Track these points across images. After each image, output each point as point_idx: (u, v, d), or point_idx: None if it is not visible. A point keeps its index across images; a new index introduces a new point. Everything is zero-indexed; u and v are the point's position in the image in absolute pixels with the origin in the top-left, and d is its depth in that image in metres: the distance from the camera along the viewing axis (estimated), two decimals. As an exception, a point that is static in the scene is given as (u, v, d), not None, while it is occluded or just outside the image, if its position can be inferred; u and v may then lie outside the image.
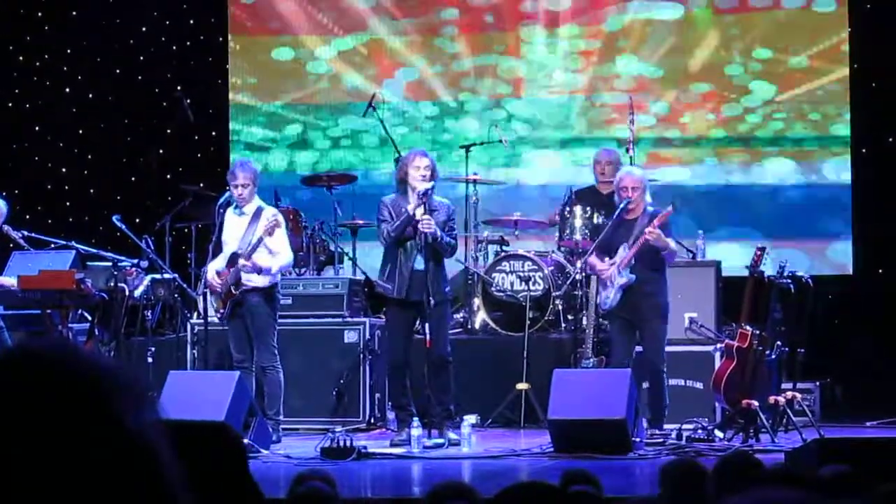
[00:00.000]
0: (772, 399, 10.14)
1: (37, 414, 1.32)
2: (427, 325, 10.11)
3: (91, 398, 1.33)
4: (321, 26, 14.62)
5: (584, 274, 11.14)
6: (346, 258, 12.72)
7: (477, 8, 14.34)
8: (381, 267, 10.43)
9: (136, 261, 11.48)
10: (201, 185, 13.05)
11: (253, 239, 10.21)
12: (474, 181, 12.74)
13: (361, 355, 11.46)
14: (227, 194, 10.51)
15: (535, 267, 12.12)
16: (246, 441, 9.31)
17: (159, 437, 1.36)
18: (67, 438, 1.31)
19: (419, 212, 10.15)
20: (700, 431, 10.02)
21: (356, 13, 14.51)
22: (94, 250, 11.55)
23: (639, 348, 10.59)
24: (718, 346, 10.82)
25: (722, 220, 13.76)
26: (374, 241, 13.63)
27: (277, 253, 10.32)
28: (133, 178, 14.65)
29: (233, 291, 10.26)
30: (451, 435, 10.06)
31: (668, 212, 10.36)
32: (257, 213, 10.36)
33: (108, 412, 1.33)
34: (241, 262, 10.16)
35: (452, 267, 11.34)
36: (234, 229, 10.40)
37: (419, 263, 10.16)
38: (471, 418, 10.25)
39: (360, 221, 13.00)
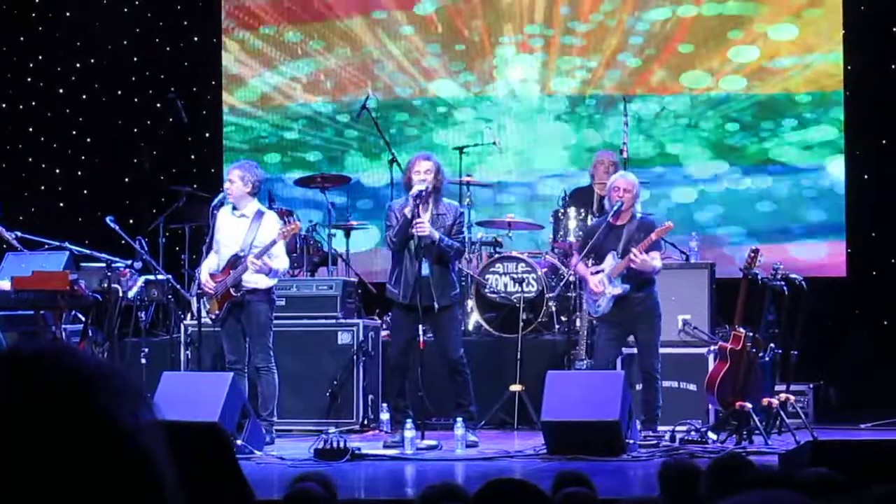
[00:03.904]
0: (765, 401, 10.15)
1: (32, 415, 1.32)
2: (420, 328, 10.13)
3: (87, 399, 1.33)
4: (313, 23, 14.63)
5: (576, 277, 11.14)
6: (339, 259, 12.74)
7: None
8: (390, 271, 10.46)
9: (129, 262, 11.47)
10: (195, 186, 13.05)
11: (266, 240, 10.21)
12: (467, 183, 12.74)
13: (355, 356, 11.46)
14: (221, 195, 10.51)
15: (529, 268, 12.12)
16: (239, 442, 9.31)
17: (156, 439, 1.36)
18: (63, 440, 1.31)
19: (424, 216, 10.18)
20: (693, 433, 10.02)
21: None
22: (88, 251, 11.54)
23: (632, 350, 10.62)
24: (712, 347, 10.83)
25: (715, 220, 13.80)
26: (364, 241, 13.69)
27: (277, 257, 10.33)
28: (127, 180, 14.64)
29: (232, 293, 10.25)
30: (471, 437, 10.07)
31: (667, 227, 10.38)
32: (258, 216, 10.36)
33: (104, 413, 1.33)
34: (252, 260, 10.14)
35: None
36: (231, 231, 10.38)
37: (424, 268, 10.17)
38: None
39: (354, 223, 13.01)
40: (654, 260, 10.24)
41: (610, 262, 10.29)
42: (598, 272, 10.33)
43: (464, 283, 12.41)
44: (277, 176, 14.35)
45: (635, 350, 10.55)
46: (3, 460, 1.30)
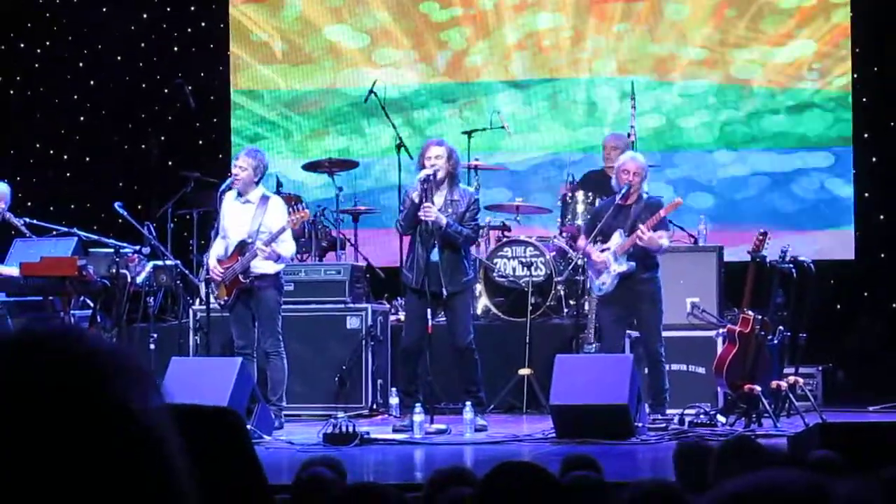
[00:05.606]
0: (774, 384, 10.15)
1: (41, 397, 1.32)
2: (428, 312, 10.14)
3: (97, 381, 1.33)
4: (322, 11, 14.63)
5: (584, 259, 11.14)
6: (347, 244, 12.74)
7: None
8: (406, 255, 10.48)
9: (137, 247, 11.47)
10: (202, 171, 13.05)
11: (273, 225, 10.22)
12: (475, 167, 12.73)
13: (364, 341, 11.47)
14: (228, 180, 10.52)
15: (537, 252, 12.12)
16: (249, 427, 9.32)
17: (166, 421, 1.36)
18: (72, 422, 1.31)
19: (437, 201, 10.19)
20: (702, 416, 10.03)
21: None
22: (96, 237, 11.54)
23: (635, 333, 10.62)
24: (720, 331, 10.83)
25: (724, 208, 13.79)
26: (373, 227, 13.68)
27: (284, 242, 10.34)
28: (134, 165, 14.65)
29: (241, 279, 10.26)
30: (480, 421, 10.09)
31: (676, 203, 10.38)
32: (263, 201, 10.36)
33: (115, 395, 1.33)
34: (260, 247, 10.14)
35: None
36: (237, 217, 10.38)
37: (434, 254, 10.19)
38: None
39: (362, 207, 13.01)
40: (661, 238, 10.24)
41: (617, 239, 10.30)
42: (604, 250, 10.35)
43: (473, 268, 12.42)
44: (285, 160, 14.34)
45: (636, 333, 10.57)
46: (12, 442, 1.30)
